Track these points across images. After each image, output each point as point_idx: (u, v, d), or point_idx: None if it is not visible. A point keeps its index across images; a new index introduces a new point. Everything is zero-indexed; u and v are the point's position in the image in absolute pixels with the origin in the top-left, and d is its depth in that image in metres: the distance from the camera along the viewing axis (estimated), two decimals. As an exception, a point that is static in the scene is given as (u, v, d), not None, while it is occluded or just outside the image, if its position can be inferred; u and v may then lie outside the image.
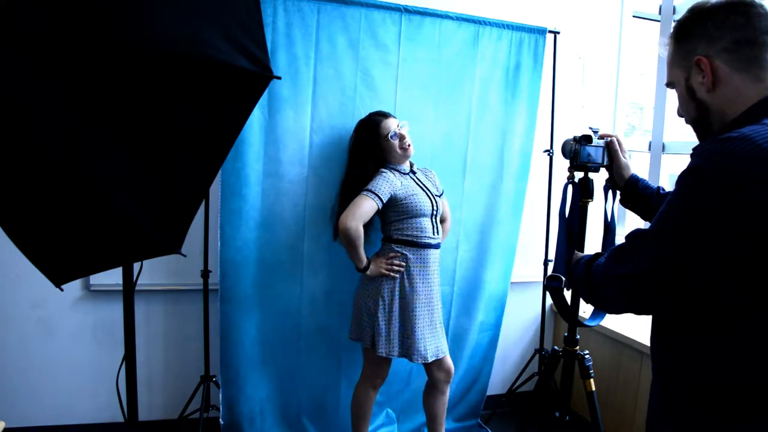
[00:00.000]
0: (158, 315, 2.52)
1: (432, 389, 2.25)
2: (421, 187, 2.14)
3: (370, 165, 2.11)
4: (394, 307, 2.08)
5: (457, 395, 2.70)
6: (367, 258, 2.08)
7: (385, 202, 2.04)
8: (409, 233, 2.09)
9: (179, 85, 1.17)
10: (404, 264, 2.09)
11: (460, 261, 2.58)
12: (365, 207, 2.00)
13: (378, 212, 2.08)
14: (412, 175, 2.18)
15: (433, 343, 2.12)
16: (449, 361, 2.23)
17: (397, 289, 2.09)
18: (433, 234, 2.14)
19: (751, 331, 0.87)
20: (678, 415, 0.98)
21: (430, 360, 2.11)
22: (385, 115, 2.15)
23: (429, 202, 2.12)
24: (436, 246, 2.16)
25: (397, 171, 2.14)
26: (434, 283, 2.16)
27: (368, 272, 2.07)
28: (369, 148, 2.12)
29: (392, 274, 2.07)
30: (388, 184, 2.05)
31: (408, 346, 2.09)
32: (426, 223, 2.11)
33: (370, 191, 2.02)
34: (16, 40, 1.03)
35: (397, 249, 2.10)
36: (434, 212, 2.14)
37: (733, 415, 0.90)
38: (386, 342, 2.07)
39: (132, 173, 1.21)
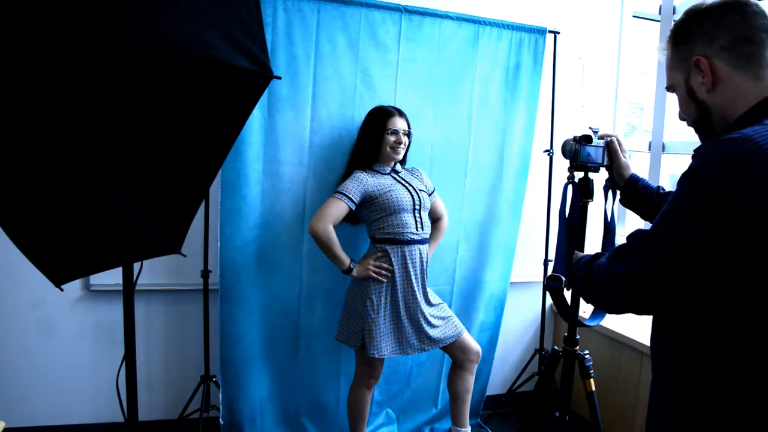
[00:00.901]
0: (158, 315, 2.52)
1: (457, 368, 2.27)
2: (402, 184, 2.14)
3: (360, 158, 2.14)
4: (383, 307, 2.08)
5: (457, 395, 2.70)
6: (351, 259, 2.08)
7: (357, 201, 2.05)
8: (391, 231, 2.08)
9: (179, 85, 1.17)
10: (392, 268, 2.08)
11: (460, 261, 2.58)
12: (332, 208, 2.02)
13: (357, 213, 2.11)
14: (393, 174, 2.18)
15: (421, 333, 2.13)
16: (469, 341, 2.24)
17: (384, 288, 2.09)
18: (417, 229, 2.12)
19: (751, 331, 0.87)
20: (678, 415, 0.98)
21: (416, 351, 2.12)
22: (401, 114, 2.16)
23: (409, 196, 2.11)
24: (422, 241, 2.14)
25: (376, 171, 2.14)
26: (423, 277, 2.15)
27: (353, 274, 2.07)
28: (373, 133, 2.12)
29: (380, 278, 2.07)
30: (358, 183, 2.06)
31: (398, 342, 2.09)
32: (407, 218, 2.10)
33: (339, 192, 2.04)
34: (16, 40, 1.03)
35: (381, 249, 2.10)
36: (416, 207, 2.13)
37: (732, 416, 0.90)
38: (377, 342, 2.06)
39: (132, 173, 1.21)
